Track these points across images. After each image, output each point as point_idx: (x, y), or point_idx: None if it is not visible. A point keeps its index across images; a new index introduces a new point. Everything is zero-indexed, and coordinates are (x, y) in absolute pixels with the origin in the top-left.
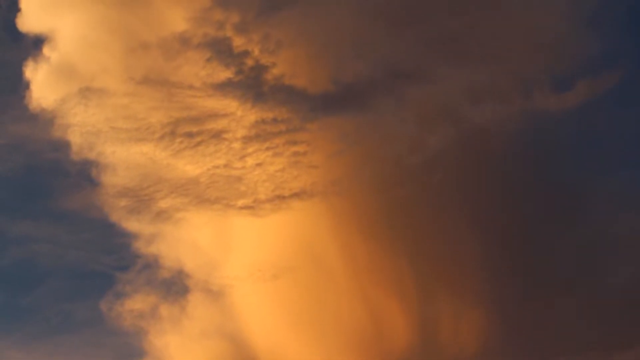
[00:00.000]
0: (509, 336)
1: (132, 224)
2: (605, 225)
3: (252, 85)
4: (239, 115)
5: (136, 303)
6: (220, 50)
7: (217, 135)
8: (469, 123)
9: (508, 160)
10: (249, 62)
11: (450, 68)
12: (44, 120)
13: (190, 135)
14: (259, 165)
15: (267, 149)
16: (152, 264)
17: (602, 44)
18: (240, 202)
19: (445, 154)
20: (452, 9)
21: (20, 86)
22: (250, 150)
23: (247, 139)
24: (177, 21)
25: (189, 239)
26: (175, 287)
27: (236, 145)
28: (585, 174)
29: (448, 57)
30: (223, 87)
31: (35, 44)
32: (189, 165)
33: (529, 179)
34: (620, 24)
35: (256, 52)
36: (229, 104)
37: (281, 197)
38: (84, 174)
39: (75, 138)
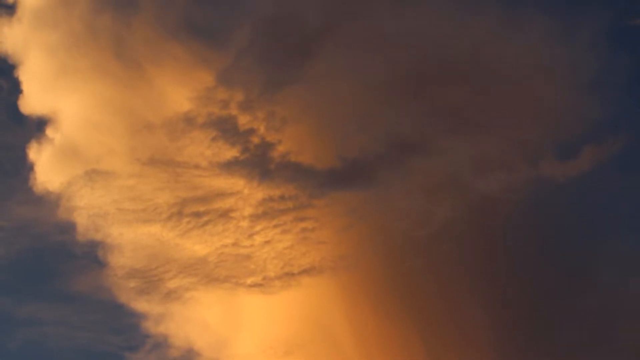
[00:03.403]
0: None
1: (140, 304)
2: (613, 292)
3: (258, 163)
4: (246, 193)
5: None
6: (225, 129)
7: (225, 214)
8: (475, 193)
9: (515, 229)
10: (255, 140)
11: (455, 139)
12: (50, 202)
13: (197, 214)
14: (267, 242)
15: (275, 226)
16: (161, 344)
17: (604, 109)
18: (250, 280)
19: (453, 224)
20: (454, 80)
21: (24, 169)
22: (258, 228)
23: (255, 217)
24: (181, 101)
25: (199, 318)
26: None
27: (244, 223)
28: (593, 241)
29: (452, 128)
30: (229, 166)
31: (38, 126)
32: (197, 245)
33: (536, 247)
34: (622, 88)
35: (261, 129)
36: (236, 183)
37: (290, 274)
38: (91, 256)
39: (81, 220)
